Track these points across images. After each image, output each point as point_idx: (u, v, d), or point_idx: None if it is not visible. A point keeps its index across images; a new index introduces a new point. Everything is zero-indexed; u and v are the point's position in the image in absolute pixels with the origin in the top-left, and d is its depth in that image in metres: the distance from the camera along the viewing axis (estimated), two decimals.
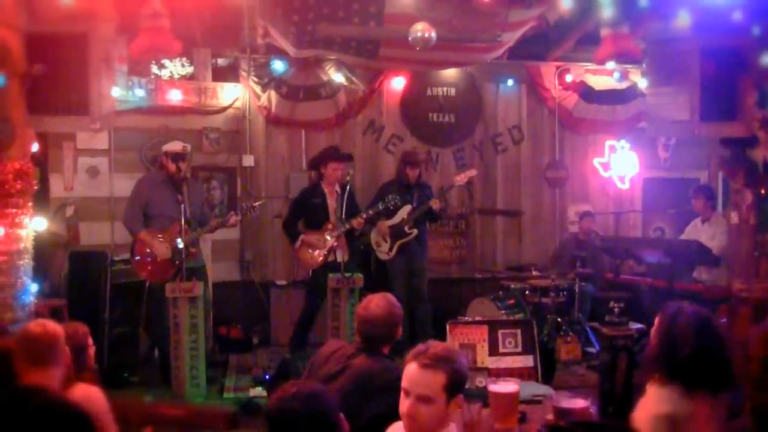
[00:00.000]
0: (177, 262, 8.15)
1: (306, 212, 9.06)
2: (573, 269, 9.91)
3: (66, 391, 3.86)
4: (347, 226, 8.88)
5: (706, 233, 9.20)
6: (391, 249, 9.61)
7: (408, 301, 9.41)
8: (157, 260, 8.24)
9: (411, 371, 3.34)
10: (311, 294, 9.22)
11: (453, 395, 3.30)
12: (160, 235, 8.26)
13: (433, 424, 3.31)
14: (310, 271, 9.20)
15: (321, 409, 2.95)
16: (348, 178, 8.91)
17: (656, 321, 3.76)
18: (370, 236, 9.81)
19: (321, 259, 8.91)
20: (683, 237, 9.90)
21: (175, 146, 8.49)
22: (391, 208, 9.22)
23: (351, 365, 4.40)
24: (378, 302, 4.51)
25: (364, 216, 9.00)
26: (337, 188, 9.16)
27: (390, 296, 4.62)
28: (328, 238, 8.90)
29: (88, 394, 3.93)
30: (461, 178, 9.84)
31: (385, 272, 9.77)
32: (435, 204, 9.51)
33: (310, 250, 8.95)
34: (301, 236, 9.00)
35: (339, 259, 8.76)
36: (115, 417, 4.02)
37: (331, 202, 9.08)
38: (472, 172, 9.98)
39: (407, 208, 9.54)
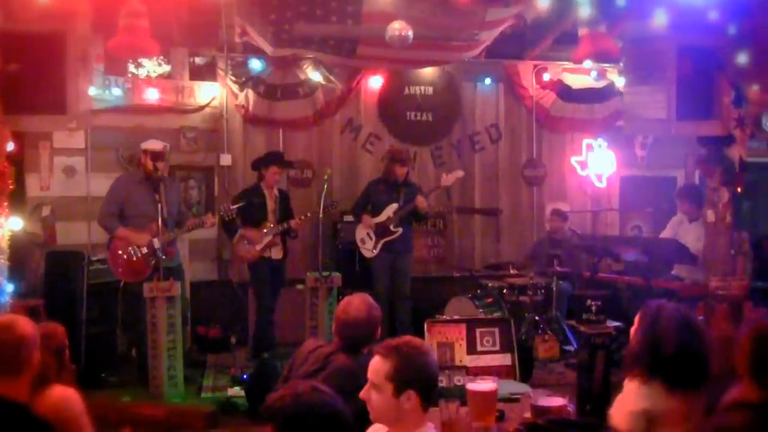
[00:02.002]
0: (154, 262, 8.14)
1: (246, 211, 9.09)
2: (549, 268, 9.95)
3: (41, 392, 3.82)
4: (285, 226, 9.15)
5: (695, 234, 9.17)
6: (375, 246, 9.61)
7: (389, 299, 9.43)
8: (134, 259, 8.21)
9: (372, 360, 3.40)
10: (259, 292, 9.39)
11: (401, 388, 3.27)
12: (137, 234, 8.23)
13: (384, 415, 3.35)
14: (248, 267, 9.42)
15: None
16: (326, 177, 8.95)
17: (637, 319, 3.77)
18: (356, 233, 9.81)
19: (258, 253, 9.12)
20: (666, 234, 9.92)
21: (155, 145, 8.45)
22: (330, 210, 9.32)
23: (330, 363, 4.41)
24: (357, 305, 4.53)
25: (302, 218, 9.23)
26: (276, 191, 9.38)
27: (368, 298, 4.65)
28: (266, 235, 9.11)
29: (65, 396, 3.89)
30: (447, 179, 9.83)
31: (369, 270, 9.76)
32: (421, 203, 9.51)
33: (248, 244, 9.16)
34: (240, 231, 9.15)
35: (273, 257, 9.25)
36: (93, 418, 3.99)
37: (270, 203, 9.32)
38: (459, 174, 9.95)
39: (393, 206, 9.54)
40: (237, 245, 9.22)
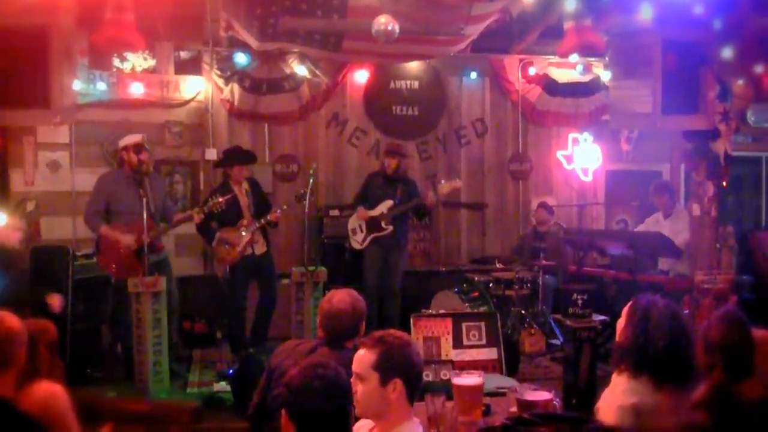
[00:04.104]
0: (143, 257, 8.09)
1: (219, 213, 8.85)
2: (534, 261, 9.97)
3: (28, 388, 3.81)
4: (263, 221, 8.95)
5: (669, 228, 9.25)
6: (364, 240, 9.59)
7: (379, 295, 9.42)
8: (123, 256, 8.16)
9: (357, 353, 3.47)
10: (233, 290, 9.22)
11: (386, 377, 3.33)
12: (123, 231, 8.19)
13: (370, 405, 3.38)
14: (228, 268, 9.21)
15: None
16: (311, 171, 8.90)
17: (626, 312, 3.76)
18: (349, 221, 9.79)
19: (238, 254, 8.92)
20: (642, 228, 10.00)
21: (134, 138, 8.40)
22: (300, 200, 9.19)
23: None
24: (342, 297, 4.58)
25: (279, 211, 9.00)
26: (245, 185, 9.15)
27: (353, 291, 4.71)
28: (244, 233, 8.93)
29: (52, 392, 3.87)
30: (444, 187, 9.73)
31: (360, 262, 9.75)
32: (429, 199, 9.53)
33: (227, 246, 8.92)
34: (217, 234, 8.93)
35: (256, 252, 9.05)
36: (78, 413, 3.98)
37: (243, 199, 9.09)
38: (457, 183, 9.86)
39: (389, 202, 9.50)
40: (217, 249, 8.99)
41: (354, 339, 4.55)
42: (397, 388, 3.31)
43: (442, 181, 9.84)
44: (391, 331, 3.49)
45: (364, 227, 9.61)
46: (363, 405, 3.37)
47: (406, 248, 10.08)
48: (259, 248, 9.09)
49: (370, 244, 9.61)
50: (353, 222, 9.75)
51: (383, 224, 9.49)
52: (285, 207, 9.07)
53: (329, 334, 4.57)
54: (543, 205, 10.99)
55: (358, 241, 9.66)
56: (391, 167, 9.64)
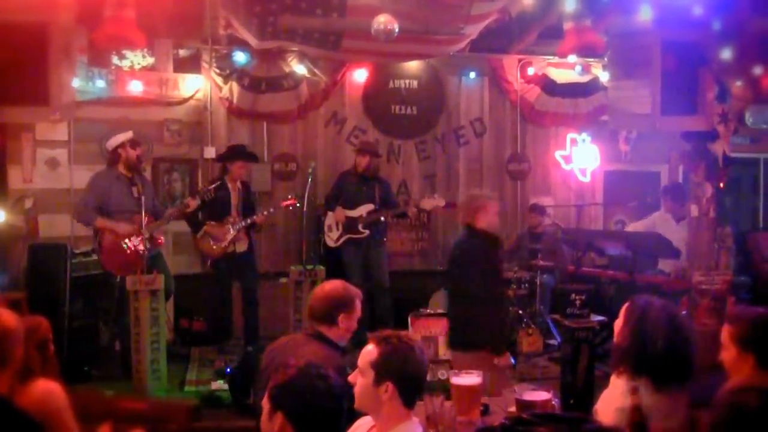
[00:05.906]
0: (144, 253, 8.09)
1: (210, 205, 9.09)
2: (531, 262, 9.98)
3: (25, 386, 3.79)
4: (249, 221, 9.11)
5: (680, 235, 9.15)
6: (339, 238, 9.62)
7: (368, 292, 9.41)
8: (128, 253, 8.17)
9: (366, 346, 3.49)
10: (218, 285, 9.39)
11: (380, 378, 3.33)
12: (118, 224, 8.20)
13: (364, 400, 3.40)
14: (210, 262, 9.39)
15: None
16: (310, 170, 8.91)
17: (624, 314, 3.77)
18: (326, 218, 9.81)
19: (222, 249, 9.07)
20: (644, 225, 9.97)
21: (125, 135, 8.46)
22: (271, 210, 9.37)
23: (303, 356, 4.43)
24: (326, 283, 4.81)
25: (265, 213, 9.22)
26: (239, 184, 9.34)
27: (345, 283, 4.80)
28: (230, 230, 9.06)
29: (49, 390, 3.86)
30: (427, 203, 9.69)
31: (339, 263, 9.73)
32: (410, 210, 9.84)
33: (212, 241, 9.10)
34: (204, 227, 9.10)
35: (238, 250, 9.18)
36: (75, 411, 3.97)
37: (234, 197, 9.27)
38: (440, 202, 9.78)
39: (369, 206, 9.54)
40: (201, 241, 9.14)
41: (329, 325, 4.61)
42: (388, 390, 3.31)
43: (424, 200, 9.84)
44: (403, 333, 3.49)
45: (340, 226, 9.66)
46: (359, 399, 3.39)
47: (384, 244, 10.08)
48: (241, 246, 9.22)
49: (345, 244, 9.63)
50: (329, 219, 9.79)
51: (360, 227, 9.52)
52: (271, 210, 9.18)
53: (309, 316, 4.74)
54: (534, 208, 10.99)
55: (332, 238, 9.70)
56: (361, 166, 9.70)
